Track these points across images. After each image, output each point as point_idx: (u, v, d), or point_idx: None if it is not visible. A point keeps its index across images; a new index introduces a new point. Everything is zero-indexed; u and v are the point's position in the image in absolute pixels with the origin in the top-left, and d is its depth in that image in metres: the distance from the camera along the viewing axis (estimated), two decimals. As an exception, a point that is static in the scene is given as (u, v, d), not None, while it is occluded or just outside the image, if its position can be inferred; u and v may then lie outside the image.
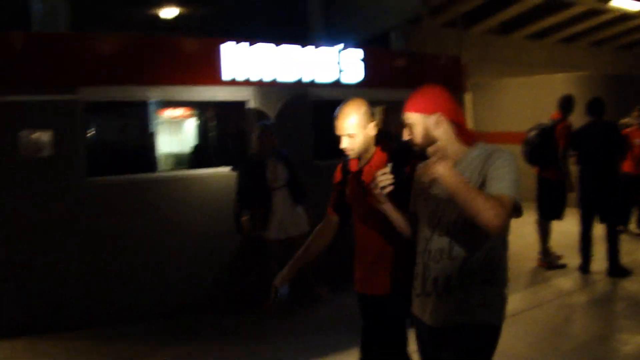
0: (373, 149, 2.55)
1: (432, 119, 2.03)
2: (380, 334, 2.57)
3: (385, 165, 2.19)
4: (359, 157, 2.58)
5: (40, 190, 4.67)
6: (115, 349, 4.38)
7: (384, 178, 2.09)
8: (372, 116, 2.52)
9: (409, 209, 2.26)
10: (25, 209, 4.63)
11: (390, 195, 2.15)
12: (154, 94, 5.17)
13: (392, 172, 2.11)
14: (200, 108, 7.75)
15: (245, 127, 5.61)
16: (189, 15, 10.16)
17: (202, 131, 7.80)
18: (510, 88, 10.69)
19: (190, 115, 8.80)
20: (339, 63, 5.94)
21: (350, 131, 2.47)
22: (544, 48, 11.08)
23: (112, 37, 5.09)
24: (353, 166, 2.64)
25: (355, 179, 2.59)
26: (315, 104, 5.89)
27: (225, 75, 5.26)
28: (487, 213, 1.80)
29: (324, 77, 5.82)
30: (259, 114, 5.47)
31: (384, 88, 6.26)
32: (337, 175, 2.75)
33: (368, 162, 2.55)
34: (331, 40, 7.75)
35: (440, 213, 2.05)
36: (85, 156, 4.84)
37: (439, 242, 2.03)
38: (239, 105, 5.56)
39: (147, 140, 6.75)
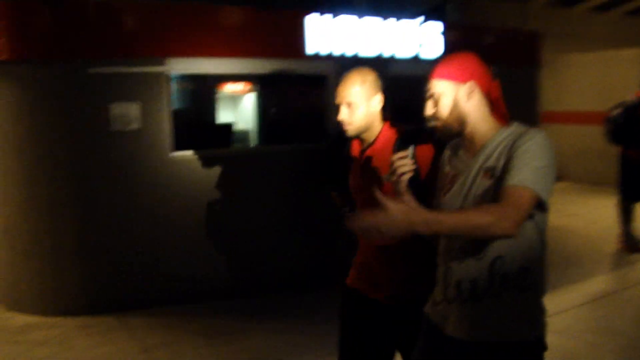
0: (378, 127, 2.19)
1: (464, 89, 1.72)
2: (378, 342, 2.23)
3: (395, 147, 1.94)
4: (360, 137, 2.22)
5: (128, 164, 4.68)
6: (206, 325, 4.41)
7: (403, 163, 1.77)
8: (379, 89, 2.19)
9: (433, 204, 1.91)
10: (115, 183, 4.66)
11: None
12: (238, 66, 5.08)
13: (413, 156, 1.83)
14: (271, 82, 7.66)
15: (324, 102, 5.51)
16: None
17: (275, 106, 7.72)
18: (575, 64, 10.33)
19: (250, 90, 8.70)
20: (419, 37, 5.78)
21: (350, 99, 2.13)
22: (609, 21, 10.66)
23: (199, 7, 4.99)
24: (355, 150, 2.27)
25: (361, 166, 2.22)
26: (393, 80, 5.74)
27: (309, 49, 5.16)
28: (494, 229, 1.51)
29: (404, 52, 5.67)
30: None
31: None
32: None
33: (373, 144, 2.19)
34: (375, 12, 7.50)
35: (463, 202, 1.74)
36: (170, 130, 4.82)
37: (462, 239, 1.72)
38: (316, 79, 5.47)
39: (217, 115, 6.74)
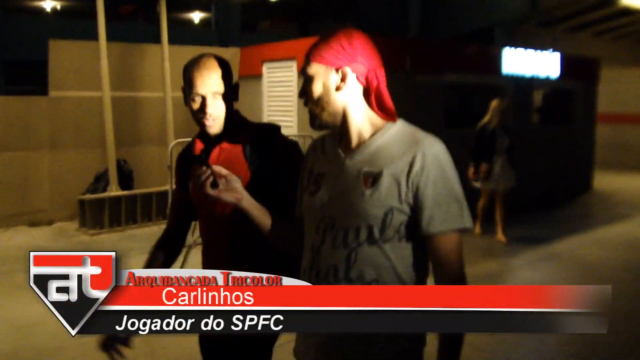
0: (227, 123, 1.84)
1: (337, 75, 1.43)
2: None
3: (246, 152, 1.78)
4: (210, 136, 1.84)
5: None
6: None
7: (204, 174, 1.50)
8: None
9: (295, 212, 1.63)
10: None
11: (252, 188, 1.63)
12: (462, 79, 7.90)
13: (253, 156, 1.75)
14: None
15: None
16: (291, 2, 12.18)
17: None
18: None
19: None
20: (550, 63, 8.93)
21: (217, 88, 1.77)
22: (607, 43, 14.34)
23: (452, 43, 7.78)
24: (198, 150, 1.87)
25: (201, 166, 1.60)
26: (536, 89, 8.93)
27: (504, 70, 8.17)
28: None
29: (542, 73, 8.80)
30: (512, 97, 8.37)
31: (563, 79, 9.37)
32: (177, 167, 2.01)
33: (219, 142, 1.83)
34: (427, 32, 9.95)
35: (333, 212, 1.45)
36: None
37: (332, 256, 1.43)
38: (499, 88, 8.43)
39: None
